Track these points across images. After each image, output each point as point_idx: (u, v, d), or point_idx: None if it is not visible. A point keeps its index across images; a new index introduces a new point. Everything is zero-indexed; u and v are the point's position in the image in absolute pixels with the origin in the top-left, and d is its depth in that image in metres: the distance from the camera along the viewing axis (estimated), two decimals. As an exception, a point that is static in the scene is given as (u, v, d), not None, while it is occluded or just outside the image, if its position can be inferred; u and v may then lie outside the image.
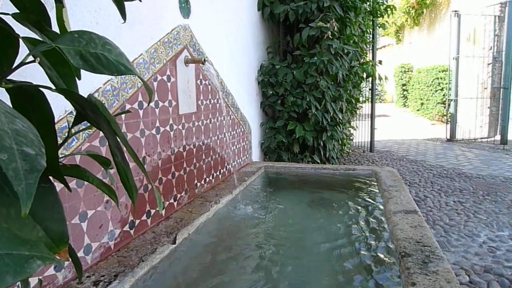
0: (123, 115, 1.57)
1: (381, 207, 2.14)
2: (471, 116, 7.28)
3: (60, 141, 0.51)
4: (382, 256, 1.56)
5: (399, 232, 1.61)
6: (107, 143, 1.23)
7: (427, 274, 1.24)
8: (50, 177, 0.46)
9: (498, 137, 6.69)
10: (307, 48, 3.47)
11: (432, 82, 9.54)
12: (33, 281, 1.09)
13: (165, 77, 1.89)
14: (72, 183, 1.28)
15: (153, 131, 1.79)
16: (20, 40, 0.53)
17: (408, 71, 12.54)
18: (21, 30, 0.56)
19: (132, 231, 1.61)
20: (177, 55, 2.00)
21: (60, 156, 0.63)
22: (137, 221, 1.66)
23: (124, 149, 0.53)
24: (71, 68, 0.55)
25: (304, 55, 3.44)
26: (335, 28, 3.34)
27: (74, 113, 1.24)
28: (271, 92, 3.49)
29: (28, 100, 0.47)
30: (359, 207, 2.21)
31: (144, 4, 1.72)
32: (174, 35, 1.96)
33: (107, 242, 1.46)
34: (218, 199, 2.17)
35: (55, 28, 0.61)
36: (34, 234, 0.40)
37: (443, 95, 8.99)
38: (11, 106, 0.44)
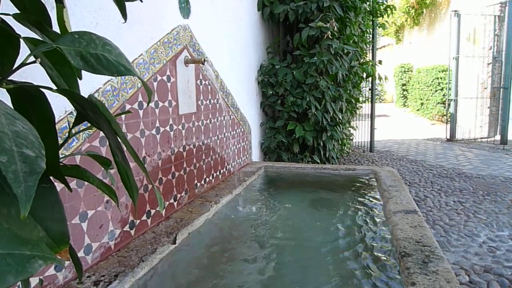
0: (123, 115, 1.57)
1: (381, 207, 2.14)
2: (471, 116, 7.28)
3: (60, 141, 0.51)
4: (382, 256, 1.56)
5: (399, 232, 1.61)
6: (107, 143, 1.23)
7: (427, 274, 1.24)
8: (51, 177, 0.46)
9: (498, 137, 6.70)
10: (307, 48, 3.47)
11: (432, 82, 9.54)
12: (34, 281, 1.09)
13: (165, 77, 1.89)
14: (73, 183, 1.29)
15: (153, 131, 1.79)
16: (21, 40, 0.53)
17: (408, 71, 12.54)
18: (22, 31, 0.56)
19: (132, 231, 1.62)
20: (177, 55, 2.00)
21: (61, 156, 0.63)
22: (137, 221, 1.66)
23: (125, 149, 0.53)
24: (72, 67, 0.55)
25: (304, 55, 3.44)
26: (335, 28, 3.34)
27: (75, 113, 1.24)
28: (271, 92, 3.49)
29: (29, 100, 0.47)
30: (359, 207, 2.21)
31: (144, 4, 1.72)
32: (174, 35, 1.96)
33: (107, 242, 1.46)
34: (218, 199, 2.17)
35: (55, 28, 0.61)
36: (35, 234, 0.40)
37: (443, 95, 9.00)
38: (11, 106, 0.44)
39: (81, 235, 1.33)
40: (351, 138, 5.33)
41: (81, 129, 0.65)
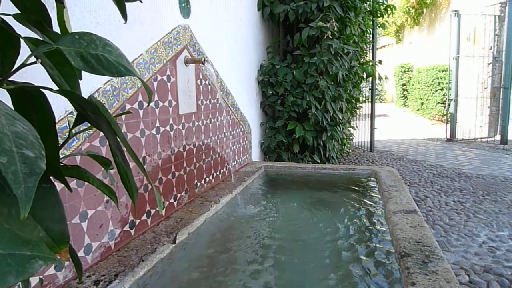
0: (123, 115, 1.57)
1: (381, 207, 2.14)
2: (471, 116, 7.28)
3: (60, 141, 0.51)
4: (381, 255, 1.56)
5: (398, 232, 1.62)
6: (107, 143, 1.24)
7: (427, 274, 1.24)
8: (51, 177, 0.46)
9: (498, 137, 6.70)
10: (307, 48, 3.47)
11: (432, 82, 9.54)
12: (34, 280, 1.09)
13: (165, 77, 1.89)
14: (73, 183, 1.29)
15: (153, 131, 1.79)
16: (21, 40, 0.53)
17: (408, 71, 12.54)
18: (22, 31, 0.56)
19: (132, 231, 1.62)
20: (177, 55, 2.00)
21: (61, 156, 0.63)
22: (137, 221, 1.66)
23: (124, 149, 0.53)
24: (73, 67, 0.55)
25: (304, 55, 3.44)
26: (335, 28, 3.34)
27: (75, 113, 1.24)
28: (271, 92, 3.49)
29: (29, 101, 0.47)
30: (359, 207, 2.21)
31: (144, 4, 1.72)
32: (174, 35, 1.96)
33: (107, 241, 1.46)
34: (218, 199, 2.18)
35: (56, 28, 0.61)
36: (35, 234, 0.40)
37: (443, 95, 8.99)
38: (12, 107, 0.45)
39: (81, 235, 1.33)
40: (351, 138, 5.33)
41: (81, 129, 0.65)
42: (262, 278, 1.43)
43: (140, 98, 1.66)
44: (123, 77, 1.55)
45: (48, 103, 0.48)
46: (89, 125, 0.55)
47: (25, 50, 0.52)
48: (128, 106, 1.60)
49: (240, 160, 3.06)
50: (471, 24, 7.25)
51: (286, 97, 3.47)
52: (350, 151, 5.52)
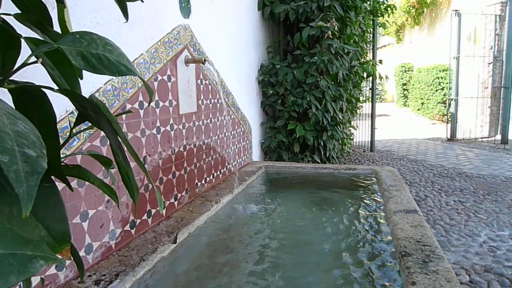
0: (123, 115, 1.57)
1: (382, 206, 2.14)
2: (472, 116, 7.28)
3: (61, 141, 0.51)
4: (382, 255, 1.56)
5: (399, 231, 1.61)
6: (108, 143, 1.24)
7: (427, 273, 1.24)
8: (52, 177, 0.46)
9: (498, 137, 6.69)
10: (308, 47, 3.47)
11: (432, 81, 9.53)
12: (35, 280, 1.09)
13: (165, 77, 1.89)
14: (73, 183, 1.29)
15: (154, 131, 1.79)
16: (22, 40, 0.53)
17: (408, 71, 12.54)
18: (23, 30, 0.56)
19: (133, 231, 1.62)
20: (177, 55, 2.00)
21: (62, 156, 0.64)
22: (138, 221, 1.66)
23: (125, 148, 0.53)
24: (73, 67, 0.55)
25: (304, 55, 3.44)
26: (336, 28, 3.34)
27: (75, 113, 1.24)
28: (271, 92, 3.49)
29: (30, 100, 0.47)
30: (359, 207, 2.21)
31: (145, 4, 1.72)
32: (174, 35, 1.96)
33: (108, 241, 1.46)
34: (218, 199, 2.18)
35: (56, 28, 0.61)
36: (36, 234, 0.40)
37: (444, 94, 8.99)
38: (13, 106, 0.45)
39: (82, 235, 1.33)
40: (352, 137, 5.33)
41: (82, 128, 0.65)
42: (263, 278, 1.43)
43: (140, 98, 1.67)
44: (123, 77, 1.55)
45: (49, 103, 0.48)
46: (89, 124, 0.56)
47: (26, 50, 0.52)
48: (128, 106, 1.60)
49: (241, 160, 3.06)
50: (472, 24, 7.24)
51: (287, 96, 3.47)
52: (351, 150, 5.52)
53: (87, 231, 1.35)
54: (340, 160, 4.63)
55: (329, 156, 3.79)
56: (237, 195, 2.39)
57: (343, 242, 1.73)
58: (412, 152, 5.74)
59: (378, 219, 1.98)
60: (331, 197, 2.43)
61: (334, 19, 3.32)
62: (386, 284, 1.35)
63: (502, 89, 6.91)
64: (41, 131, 0.37)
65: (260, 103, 3.59)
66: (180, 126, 2.04)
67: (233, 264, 1.54)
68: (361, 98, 5.09)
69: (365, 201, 2.31)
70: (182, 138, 2.06)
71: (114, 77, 1.50)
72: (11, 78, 0.48)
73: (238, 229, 1.93)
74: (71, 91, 0.48)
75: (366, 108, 5.55)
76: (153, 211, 1.76)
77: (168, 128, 1.91)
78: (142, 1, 0.73)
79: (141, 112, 1.68)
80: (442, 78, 9.18)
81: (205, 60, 2.11)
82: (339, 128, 3.78)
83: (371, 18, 4.92)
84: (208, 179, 2.39)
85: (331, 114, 3.53)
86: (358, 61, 4.00)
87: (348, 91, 3.96)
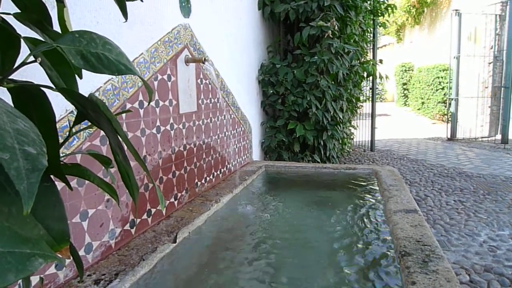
0: (123, 114, 1.58)
1: (382, 206, 2.14)
2: (472, 115, 7.28)
3: (61, 140, 0.51)
4: (382, 255, 1.56)
5: (399, 231, 1.61)
6: (107, 142, 1.24)
7: (427, 273, 1.24)
8: (52, 176, 0.46)
9: (498, 137, 6.69)
10: (308, 47, 3.47)
11: (432, 81, 9.53)
12: (35, 279, 1.10)
13: (165, 76, 1.89)
14: (73, 182, 1.29)
15: (154, 130, 1.79)
16: (21, 40, 0.53)
17: (408, 70, 12.53)
18: (22, 30, 0.56)
19: (132, 230, 1.62)
20: (177, 55, 2.00)
21: (61, 155, 0.64)
22: (138, 220, 1.66)
23: (125, 148, 0.53)
24: (71, 67, 0.55)
25: (304, 54, 3.44)
26: (336, 27, 3.34)
27: (75, 112, 1.24)
28: (271, 91, 3.49)
29: (30, 99, 0.47)
30: (360, 206, 2.21)
31: (145, 3, 1.72)
32: (174, 34, 1.96)
33: (107, 241, 1.46)
34: (218, 198, 2.18)
35: (56, 27, 0.61)
36: (35, 233, 0.40)
37: (444, 94, 8.99)
38: (12, 105, 0.45)
39: (82, 234, 1.33)
40: (352, 137, 5.33)
41: (81, 128, 0.65)
42: (263, 277, 1.43)
43: (140, 97, 1.67)
44: (123, 76, 1.55)
45: (48, 102, 0.48)
46: (89, 124, 0.56)
47: (25, 49, 0.52)
48: (128, 105, 1.60)
49: (241, 159, 3.06)
50: (472, 23, 7.24)
51: (287, 96, 3.47)
52: (351, 150, 5.52)
53: (87, 230, 1.36)
54: (340, 159, 4.63)
55: (329, 156, 3.79)
56: (237, 194, 2.39)
57: (342, 242, 1.73)
58: (412, 151, 5.73)
59: (378, 219, 1.98)
60: (331, 197, 2.43)
61: (334, 19, 3.32)
62: (385, 283, 1.35)
63: (502, 88, 6.91)
64: (41, 130, 0.38)
65: (260, 102, 3.59)
66: (180, 126, 2.04)
67: (234, 263, 1.54)
68: (361, 98, 5.09)
69: (365, 200, 2.31)
70: (182, 137, 2.06)
71: (114, 77, 1.50)
72: (11, 77, 0.48)
73: (238, 229, 1.93)
74: (70, 90, 0.48)
75: (366, 107, 5.55)
76: (153, 210, 1.77)
77: (168, 127, 1.91)
78: (142, 1, 0.73)
79: (141, 111, 1.68)
80: (442, 77, 9.18)
81: (205, 59, 2.11)
82: (339, 128, 3.78)
83: (372, 17, 4.92)
84: (208, 178, 2.40)
85: (331, 113, 3.53)
86: (359, 61, 4.00)
87: (348, 90, 3.96)
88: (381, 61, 4.82)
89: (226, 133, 2.70)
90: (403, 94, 13.09)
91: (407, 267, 1.30)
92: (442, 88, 9.17)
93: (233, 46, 2.85)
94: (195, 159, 2.21)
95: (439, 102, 9.33)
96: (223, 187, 2.44)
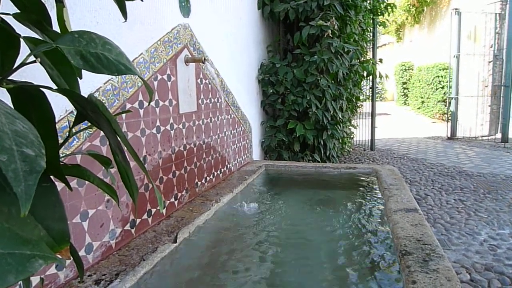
0: (123, 114, 1.57)
1: (382, 205, 2.14)
2: (472, 114, 7.27)
3: (61, 140, 0.51)
4: (382, 254, 1.56)
5: (399, 230, 1.61)
6: (107, 143, 1.24)
7: (428, 272, 1.24)
8: (51, 177, 0.46)
9: (499, 135, 6.69)
10: (307, 46, 3.47)
11: (432, 80, 9.53)
12: (35, 280, 1.09)
13: (165, 76, 1.89)
14: (73, 183, 1.29)
15: (154, 130, 1.79)
16: (21, 40, 0.53)
17: (408, 69, 12.53)
18: (22, 30, 0.56)
19: (133, 230, 1.62)
20: (177, 54, 2.00)
21: (61, 155, 0.63)
22: (138, 220, 1.66)
23: (125, 148, 0.53)
24: (72, 67, 0.55)
25: (304, 54, 3.44)
26: (335, 27, 3.33)
27: (75, 112, 1.24)
28: (271, 91, 3.49)
29: (29, 100, 0.47)
30: (360, 206, 2.21)
31: (145, 3, 1.72)
32: (174, 34, 1.96)
33: (108, 241, 1.46)
34: (218, 198, 2.18)
35: (55, 27, 0.61)
36: (35, 233, 0.40)
37: (444, 93, 8.99)
38: (12, 106, 0.44)
39: (82, 234, 1.33)
40: (352, 136, 5.32)
41: (81, 128, 0.65)
42: (263, 277, 1.43)
43: (140, 97, 1.66)
44: (123, 76, 1.55)
45: (48, 102, 0.48)
46: (89, 124, 0.55)
47: (25, 50, 0.52)
48: (128, 106, 1.60)
49: (241, 159, 3.06)
50: (472, 22, 7.23)
51: (287, 96, 3.47)
52: (351, 149, 5.51)
53: (87, 230, 1.35)
54: (340, 159, 4.63)
55: (329, 155, 3.79)
56: (238, 194, 2.39)
57: (342, 241, 1.73)
58: (412, 150, 5.73)
59: (378, 218, 1.98)
60: (331, 196, 2.43)
61: (334, 18, 3.32)
62: (386, 283, 1.35)
63: (502, 87, 6.90)
64: (40, 131, 0.37)
65: (260, 102, 3.58)
66: (180, 126, 2.04)
67: (234, 263, 1.54)
68: (361, 97, 5.08)
69: (365, 200, 2.31)
70: (182, 137, 2.06)
71: (113, 77, 1.49)
72: (10, 77, 0.48)
73: (238, 228, 1.93)
74: (70, 91, 0.48)
75: (366, 107, 5.55)
76: (153, 210, 1.77)
77: (168, 127, 1.91)
78: (142, 0, 0.73)
79: (141, 111, 1.68)
80: (442, 76, 9.17)
81: (205, 59, 2.11)
82: (339, 127, 3.77)
83: (371, 17, 4.92)
84: (208, 178, 2.39)
85: (331, 113, 3.53)
86: (358, 60, 4.00)
87: (348, 90, 3.96)
88: (381, 60, 4.82)
89: (226, 132, 2.70)
90: (403, 93, 13.09)
91: (407, 266, 1.30)
92: (442, 87, 9.17)
93: (233, 45, 2.85)
94: (195, 159, 2.21)
95: (439, 101, 9.33)
96: (223, 187, 2.44)
